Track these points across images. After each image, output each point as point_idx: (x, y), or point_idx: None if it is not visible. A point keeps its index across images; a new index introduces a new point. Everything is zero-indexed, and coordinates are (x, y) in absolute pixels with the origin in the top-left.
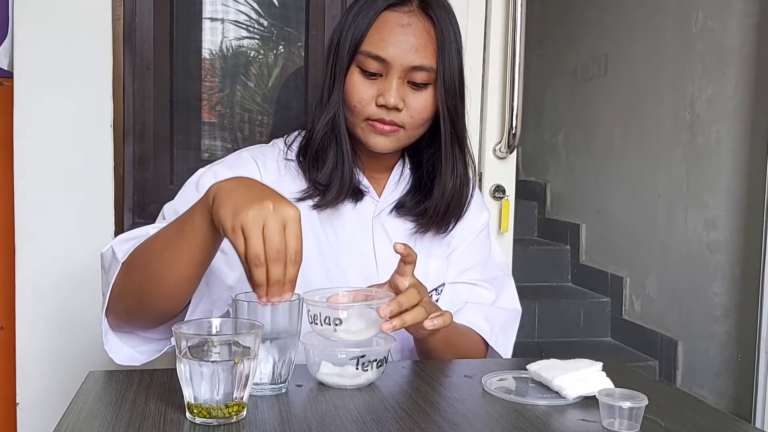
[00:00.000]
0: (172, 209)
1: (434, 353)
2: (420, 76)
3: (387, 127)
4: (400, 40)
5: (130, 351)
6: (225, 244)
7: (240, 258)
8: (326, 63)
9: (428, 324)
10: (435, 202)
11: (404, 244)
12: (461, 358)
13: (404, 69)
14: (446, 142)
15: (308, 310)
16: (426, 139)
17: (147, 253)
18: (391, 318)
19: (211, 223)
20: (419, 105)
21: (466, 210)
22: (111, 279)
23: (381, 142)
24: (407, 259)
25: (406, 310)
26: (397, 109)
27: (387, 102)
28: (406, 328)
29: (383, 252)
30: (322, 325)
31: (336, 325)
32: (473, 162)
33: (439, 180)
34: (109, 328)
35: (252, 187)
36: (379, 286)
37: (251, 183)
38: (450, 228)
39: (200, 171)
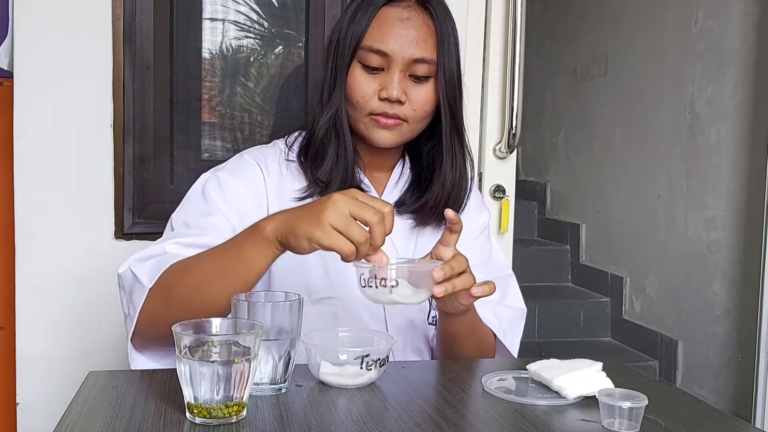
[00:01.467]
0: (181, 221)
1: (457, 339)
2: (421, 69)
3: (390, 121)
4: (401, 33)
5: (155, 365)
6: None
7: (347, 257)
8: (326, 61)
9: (476, 291)
10: (435, 195)
11: (455, 212)
12: (475, 351)
13: (406, 62)
14: (446, 134)
15: (361, 274)
16: (426, 134)
17: (186, 285)
18: (442, 282)
19: (272, 260)
20: (421, 98)
21: (465, 204)
22: (138, 305)
23: (385, 137)
24: (454, 227)
25: (457, 276)
26: (400, 102)
27: (390, 95)
28: (454, 295)
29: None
30: (377, 287)
31: (392, 287)
32: (471, 157)
33: (439, 173)
34: (133, 348)
35: (306, 205)
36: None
37: (300, 206)
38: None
39: (204, 177)
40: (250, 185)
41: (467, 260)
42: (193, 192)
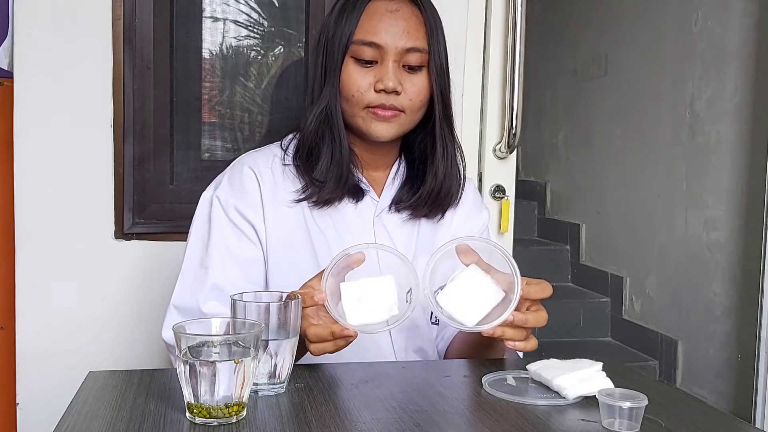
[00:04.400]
0: (198, 260)
1: (478, 349)
2: (414, 58)
3: (388, 113)
4: (392, 24)
5: None
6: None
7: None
8: (316, 60)
9: (510, 344)
10: (428, 186)
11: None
12: (491, 356)
13: (398, 52)
14: (439, 124)
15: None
16: (417, 127)
17: None
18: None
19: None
20: (417, 87)
21: (460, 196)
22: None
23: (383, 129)
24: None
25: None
26: (396, 93)
27: (386, 86)
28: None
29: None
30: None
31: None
32: (461, 149)
33: (432, 163)
34: None
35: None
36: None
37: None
38: (444, 211)
39: (207, 201)
40: (250, 198)
41: (545, 322)
42: (200, 221)
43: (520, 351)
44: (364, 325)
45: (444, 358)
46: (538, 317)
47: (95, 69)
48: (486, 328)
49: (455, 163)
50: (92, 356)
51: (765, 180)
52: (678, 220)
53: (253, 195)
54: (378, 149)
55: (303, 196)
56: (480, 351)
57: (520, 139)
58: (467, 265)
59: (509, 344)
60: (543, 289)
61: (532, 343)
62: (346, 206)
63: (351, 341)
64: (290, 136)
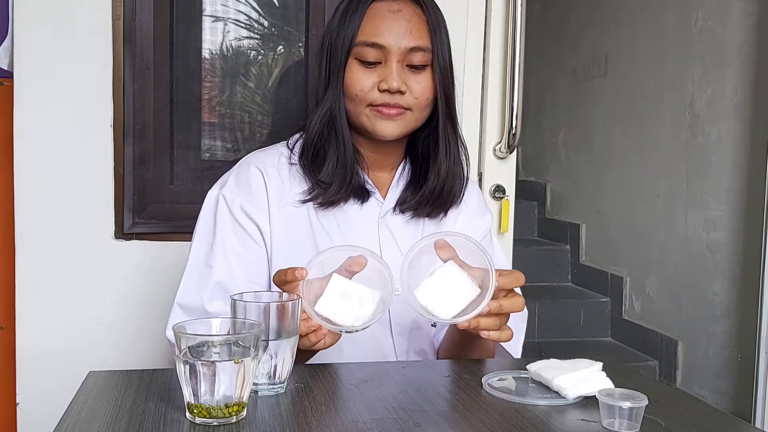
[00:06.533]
0: (203, 259)
1: (465, 347)
2: (417, 58)
3: (393, 111)
4: (394, 25)
5: None
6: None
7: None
8: (320, 63)
9: (484, 334)
10: (431, 184)
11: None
12: (480, 355)
13: (402, 52)
14: (442, 122)
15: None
16: (421, 127)
17: None
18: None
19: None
20: (421, 86)
21: (462, 194)
22: None
23: (388, 128)
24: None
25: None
26: (401, 93)
27: (390, 86)
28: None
29: (389, 254)
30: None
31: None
32: (465, 147)
33: (434, 161)
34: None
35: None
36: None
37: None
38: (446, 210)
39: (212, 200)
40: (256, 198)
41: (522, 307)
42: (205, 219)
43: (495, 341)
44: (325, 319)
45: (437, 359)
46: (513, 302)
47: (95, 69)
48: (461, 320)
49: (458, 161)
50: (92, 356)
51: (765, 180)
52: (678, 220)
53: (260, 195)
54: (384, 149)
55: (309, 197)
56: (466, 350)
57: (520, 139)
58: (445, 261)
59: (483, 333)
60: (516, 278)
61: (506, 333)
62: (352, 207)
63: (310, 327)
64: (297, 135)
